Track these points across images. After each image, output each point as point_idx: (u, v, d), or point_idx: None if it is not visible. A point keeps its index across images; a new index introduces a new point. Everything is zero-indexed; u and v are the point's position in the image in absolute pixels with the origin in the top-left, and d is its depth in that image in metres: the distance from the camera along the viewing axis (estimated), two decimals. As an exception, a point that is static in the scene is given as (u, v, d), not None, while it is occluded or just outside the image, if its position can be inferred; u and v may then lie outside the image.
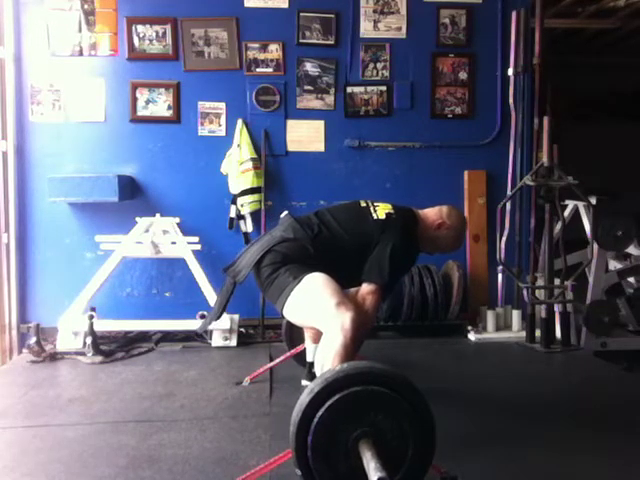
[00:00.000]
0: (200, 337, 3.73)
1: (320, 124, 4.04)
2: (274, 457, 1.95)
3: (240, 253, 2.54)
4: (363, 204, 2.55)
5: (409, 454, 1.64)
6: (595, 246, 3.87)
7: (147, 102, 3.94)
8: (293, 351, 3.01)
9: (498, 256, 3.70)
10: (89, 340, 3.41)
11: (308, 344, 2.81)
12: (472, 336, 3.84)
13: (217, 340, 3.67)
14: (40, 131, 3.91)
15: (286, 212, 2.65)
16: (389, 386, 1.65)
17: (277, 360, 3.10)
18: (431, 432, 1.67)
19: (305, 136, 4.04)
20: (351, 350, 2.07)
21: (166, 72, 3.94)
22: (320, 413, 1.61)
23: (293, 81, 4.01)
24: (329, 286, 2.21)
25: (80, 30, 3.89)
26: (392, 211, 2.49)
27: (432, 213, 2.61)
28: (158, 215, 3.88)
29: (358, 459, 1.58)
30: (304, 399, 1.65)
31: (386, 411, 1.64)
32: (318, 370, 2.13)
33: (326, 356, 2.06)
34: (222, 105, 3.98)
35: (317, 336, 2.48)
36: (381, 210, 2.48)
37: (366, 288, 2.32)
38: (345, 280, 2.33)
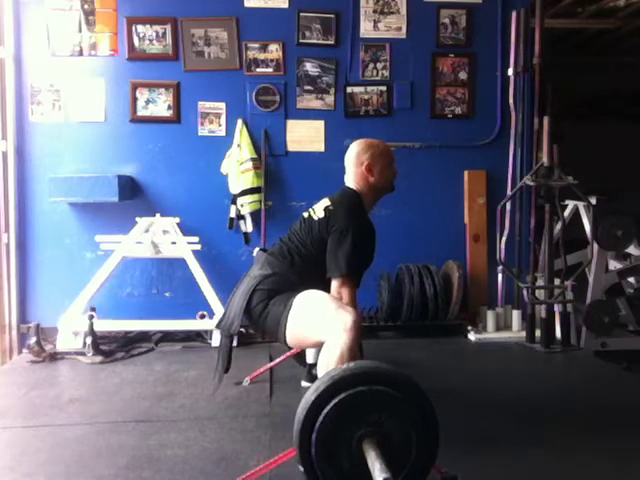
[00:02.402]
0: (200, 337, 3.74)
1: (320, 124, 4.04)
2: (274, 457, 1.95)
3: (226, 304, 2.55)
4: (305, 214, 2.55)
5: (413, 454, 1.65)
6: (595, 246, 3.87)
7: (147, 102, 3.94)
8: (293, 351, 3.01)
9: (498, 256, 3.70)
10: (89, 340, 3.41)
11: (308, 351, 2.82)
12: (472, 336, 3.84)
13: (217, 340, 3.66)
14: (40, 131, 3.91)
15: (257, 249, 2.67)
16: (394, 386, 1.65)
17: (277, 360, 3.11)
18: (435, 432, 1.67)
19: (305, 136, 4.04)
20: (355, 350, 2.08)
21: (166, 72, 3.94)
22: (325, 411, 1.61)
23: (293, 81, 4.01)
24: (323, 295, 2.23)
25: (80, 30, 3.89)
26: (328, 203, 2.47)
27: (354, 171, 2.51)
28: (158, 215, 3.88)
29: (362, 458, 1.59)
30: (310, 397, 1.65)
31: (391, 411, 1.64)
32: (322, 371, 2.13)
33: (331, 356, 2.06)
34: (222, 105, 3.98)
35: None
36: (319, 209, 2.48)
37: (334, 284, 2.31)
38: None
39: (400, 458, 1.63)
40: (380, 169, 2.51)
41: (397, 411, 1.65)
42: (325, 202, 2.49)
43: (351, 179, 2.54)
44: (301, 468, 1.66)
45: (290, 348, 2.59)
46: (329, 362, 2.05)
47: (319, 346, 2.34)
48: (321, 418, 1.61)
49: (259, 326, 2.42)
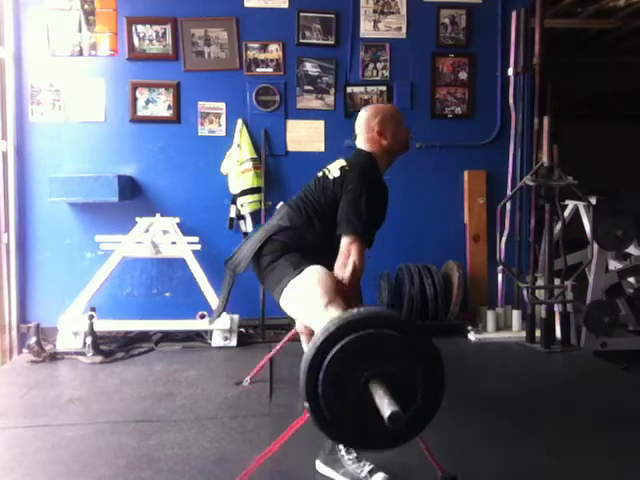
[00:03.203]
0: (200, 337, 3.74)
1: (320, 124, 4.04)
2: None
3: (239, 245, 2.52)
4: (320, 174, 2.51)
5: (418, 398, 1.64)
6: (595, 246, 3.87)
7: (147, 102, 3.94)
8: (290, 335, 2.99)
9: (498, 256, 3.70)
10: (89, 340, 3.41)
11: (305, 347, 2.81)
12: (472, 336, 3.84)
13: (217, 340, 3.67)
14: (40, 131, 3.91)
15: (282, 203, 2.64)
16: (402, 331, 1.66)
17: (275, 349, 3.07)
18: (441, 378, 1.67)
19: (305, 136, 4.04)
20: None
21: (166, 72, 3.94)
22: (333, 352, 1.61)
23: (293, 81, 4.01)
24: (323, 283, 2.20)
25: (80, 30, 3.89)
26: (344, 163, 2.45)
27: (366, 137, 2.47)
28: (158, 215, 3.88)
29: (369, 398, 1.59)
30: (319, 338, 1.65)
31: (398, 355, 1.65)
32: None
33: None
34: (222, 105, 3.98)
35: (310, 337, 2.48)
36: (334, 168, 2.45)
37: (344, 241, 2.26)
38: None
39: (406, 400, 1.61)
40: (392, 131, 2.47)
41: (405, 355, 1.65)
42: (340, 162, 2.47)
43: (363, 144, 2.50)
44: (306, 404, 1.66)
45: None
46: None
47: (305, 328, 2.38)
48: (329, 358, 1.61)
49: (262, 274, 2.34)
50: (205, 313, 3.72)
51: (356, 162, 2.44)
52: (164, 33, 3.92)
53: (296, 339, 2.97)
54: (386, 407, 1.49)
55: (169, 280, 3.98)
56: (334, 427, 1.68)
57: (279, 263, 2.28)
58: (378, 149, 2.49)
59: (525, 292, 3.70)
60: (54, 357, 3.42)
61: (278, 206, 2.59)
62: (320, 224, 2.40)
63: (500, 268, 3.98)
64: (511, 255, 3.92)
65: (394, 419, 1.48)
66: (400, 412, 1.47)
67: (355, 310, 1.71)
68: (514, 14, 3.96)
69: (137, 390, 2.93)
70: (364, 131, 2.49)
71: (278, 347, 3.06)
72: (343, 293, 2.14)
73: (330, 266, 2.23)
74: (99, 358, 3.38)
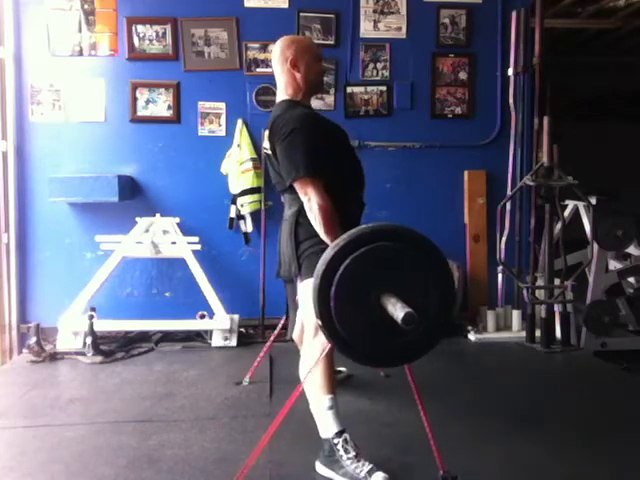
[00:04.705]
0: (200, 337, 3.74)
1: (320, 124, 4.03)
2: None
3: (277, 252, 2.47)
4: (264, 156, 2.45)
5: (430, 308, 1.66)
6: (595, 246, 3.87)
7: (147, 102, 3.94)
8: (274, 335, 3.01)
9: (498, 256, 3.70)
10: (89, 340, 3.41)
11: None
12: (472, 336, 3.84)
13: (217, 340, 3.67)
14: (40, 131, 3.91)
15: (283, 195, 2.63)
16: (413, 243, 1.67)
17: (265, 348, 3.06)
18: (451, 288, 1.71)
19: (305, 136, 4.03)
20: (330, 357, 2.12)
21: (166, 72, 3.94)
22: (344, 265, 1.61)
23: (293, 81, 4.00)
24: None
25: (80, 30, 3.89)
26: (267, 132, 2.33)
27: (281, 70, 2.36)
28: (158, 215, 3.88)
29: (380, 311, 1.59)
30: (329, 253, 1.65)
31: (409, 266, 1.66)
32: (302, 372, 2.17)
33: (309, 362, 2.11)
34: (222, 105, 3.98)
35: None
36: (265, 143, 2.36)
37: (298, 190, 2.19)
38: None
39: (418, 311, 1.57)
40: (306, 63, 2.34)
41: (415, 266, 1.66)
42: (265, 134, 2.37)
43: (281, 85, 2.39)
44: (319, 322, 1.65)
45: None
46: (309, 364, 2.10)
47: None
48: (340, 272, 1.60)
49: (298, 260, 2.26)
50: (205, 313, 3.72)
51: (273, 119, 2.31)
52: (164, 33, 3.92)
53: (285, 340, 2.98)
54: (399, 310, 1.49)
55: (169, 280, 3.98)
56: (350, 345, 1.66)
57: (316, 251, 2.14)
58: (295, 87, 2.36)
59: (525, 292, 3.70)
60: (54, 357, 3.42)
61: (282, 199, 2.55)
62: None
63: (500, 268, 3.97)
64: (511, 255, 3.92)
65: (408, 319, 1.47)
66: (413, 312, 1.47)
67: (364, 225, 1.71)
68: (514, 14, 3.96)
69: (137, 390, 2.93)
70: (279, 62, 2.36)
71: (267, 346, 3.06)
72: None
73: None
74: (99, 358, 3.38)
